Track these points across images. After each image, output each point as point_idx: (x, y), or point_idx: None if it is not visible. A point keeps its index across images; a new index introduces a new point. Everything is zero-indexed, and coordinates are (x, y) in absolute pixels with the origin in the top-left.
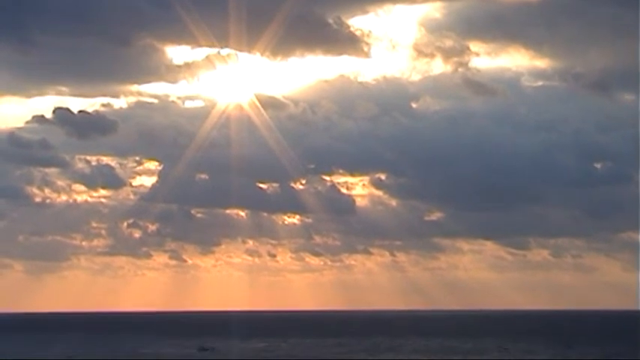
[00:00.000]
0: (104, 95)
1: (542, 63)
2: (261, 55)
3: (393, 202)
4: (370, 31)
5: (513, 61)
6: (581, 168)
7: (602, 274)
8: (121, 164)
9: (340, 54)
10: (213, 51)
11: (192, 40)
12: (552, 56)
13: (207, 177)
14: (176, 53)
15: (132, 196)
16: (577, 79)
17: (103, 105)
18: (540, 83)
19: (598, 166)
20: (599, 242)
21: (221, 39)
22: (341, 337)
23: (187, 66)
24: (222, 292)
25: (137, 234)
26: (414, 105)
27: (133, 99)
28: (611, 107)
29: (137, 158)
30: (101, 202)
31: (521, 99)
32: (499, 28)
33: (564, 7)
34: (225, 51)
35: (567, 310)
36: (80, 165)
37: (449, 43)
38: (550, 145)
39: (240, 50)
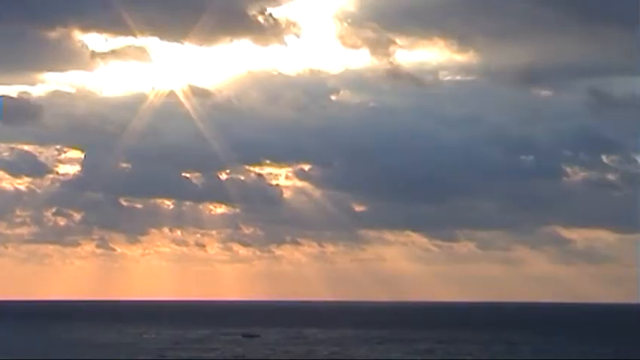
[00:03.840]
0: (23, 83)
1: (462, 57)
2: (186, 43)
3: (318, 193)
4: (294, 22)
5: (433, 54)
6: (505, 161)
7: (528, 267)
8: (44, 152)
9: (265, 44)
10: (137, 39)
11: (117, 28)
12: (472, 51)
13: (132, 166)
14: (100, 41)
15: (57, 184)
16: (496, 73)
17: (22, 93)
18: (459, 77)
19: (522, 158)
20: (525, 235)
21: (146, 27)
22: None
23: (111, 54)
24: (152, 281)
25: (63, 222)
26: (334, 97)
27: (54, 87)
28: (530, 102)
29: (59, 147)
30: (25, 190)
31: (442, 92)
32: (418, 21)
33: (484, 2)
34: (150, 39)
35: (494, 302)
36: (4, 152)
37: (371, 35)
38: (472, 138)
39: (167, 39)
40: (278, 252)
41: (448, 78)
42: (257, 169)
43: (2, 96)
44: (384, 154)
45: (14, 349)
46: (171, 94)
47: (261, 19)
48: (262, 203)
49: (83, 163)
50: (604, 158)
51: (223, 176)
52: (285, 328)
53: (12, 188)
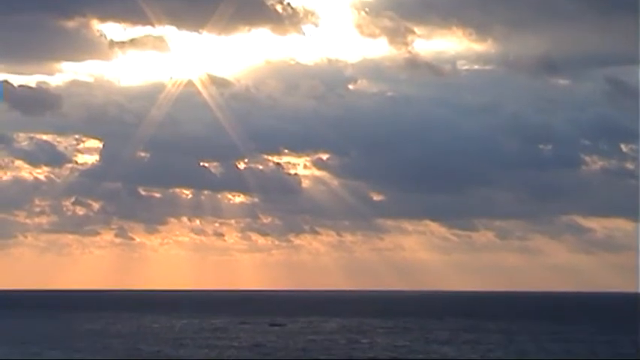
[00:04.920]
0: (42, 73)
1: (480, 46)
2: (204, 33)
3: (336, 183)
4: (312, 11)
5: (451, 44)
6: (523, 150)
7: (547, 256)
8: (62, 142)
9: (283, 33)
10: (155, 28)
11: (135, 18)
12: (490, 40)
13: (150, 155)
14: (119, 30)
15: (76, 174)
16: (514, 62)
17: (41, 82)
18: (477, 67)
19: (540, 148)
20: (544, 224)
21: (164, 16)
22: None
23: (130, 43)
24: (170, 271)
25: (82, 211)
26: (352, 86)
27: (72, 76)
28: (549, 91)
29: (77, 136)
30: (44, 179)
31: (460, 81)
32: (436, 11)
33: None
34: (168, 29)
35: (513, 291)
36: (23, 142)
37: (389, 24)
38: (491, 127)
39: (185, 28)
40: (296, 241)
41: (466, 67)
42: (275, 159)
43: (19, 85)
44: (401, 143)
45: (34, 339)
46: (190, 83)
47: (279, 8)
48: (280, 193)
49: (102, 153)
50: (623, 147)
51: (242, 165)
52: (309, 317)
53: (31, 178)
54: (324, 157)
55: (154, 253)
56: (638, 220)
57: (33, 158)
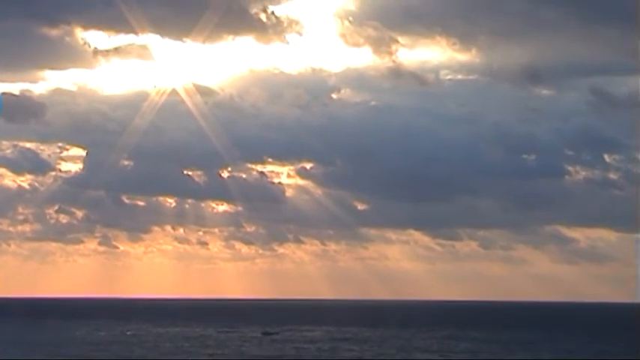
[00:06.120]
0: (25, 81)
1: (463, 56)
2: (188, 41)
3: (320, 192)
4: (296, 20)
5: (435, 53)
6: (507, 160)
7: (530, 266)
8: (46, 149)
9: (267, 42)
10: (139, 37)
11: (119, 26)
12: (474, 50)
13: (134, 163)
14: (102, 39)
15: (59, 182)
16: (498, 72)
17: (24, 90)
18: (461, 76)
19: (524, 157)
20: (528, 234)
21: (148, 24)
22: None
23: (113, 52)
24: (154, 279)
25: (65, 219)
26: (335, 96)
27: (56, 84)
28: (532, 101)
29: (61, 144)
30: (27, 187)
31: (444, 91)
32: (420, 20)
33: (486, 1)
34: (152, 37)
35: (497, 301)
36: (7, 150)
37: (373, 33)
38: (474, 137)
39: (169, 36)
40: (280, 250)
41: (450, 77)
42: (259, 167)
43: (3, 93)
44: (385, 152)
45: (17, 347)
46: (173, 92)
47: (263, 17)
48: (264, 201)
49: (85, 161)
50: (606, 157)
51: (225, 174)
52: (293, 325)
53: (14, 185)
54: (308, 166)
55: (138, 262)
56: (628, 231)
57: (16, 166)
